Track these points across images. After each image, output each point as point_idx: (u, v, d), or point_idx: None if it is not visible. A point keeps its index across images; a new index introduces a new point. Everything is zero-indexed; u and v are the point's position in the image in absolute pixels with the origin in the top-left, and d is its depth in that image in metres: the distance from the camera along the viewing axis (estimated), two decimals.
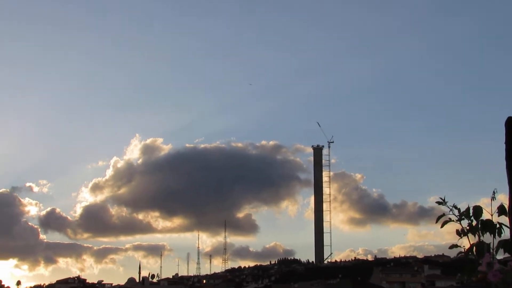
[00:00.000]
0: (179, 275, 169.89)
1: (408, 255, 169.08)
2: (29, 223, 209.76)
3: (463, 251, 3.71)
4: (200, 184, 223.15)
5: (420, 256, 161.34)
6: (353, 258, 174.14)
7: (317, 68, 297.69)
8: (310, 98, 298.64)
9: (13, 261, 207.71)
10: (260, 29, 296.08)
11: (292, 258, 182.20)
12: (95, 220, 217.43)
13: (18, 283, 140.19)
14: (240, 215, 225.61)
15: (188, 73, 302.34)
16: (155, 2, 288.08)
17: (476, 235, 3.70)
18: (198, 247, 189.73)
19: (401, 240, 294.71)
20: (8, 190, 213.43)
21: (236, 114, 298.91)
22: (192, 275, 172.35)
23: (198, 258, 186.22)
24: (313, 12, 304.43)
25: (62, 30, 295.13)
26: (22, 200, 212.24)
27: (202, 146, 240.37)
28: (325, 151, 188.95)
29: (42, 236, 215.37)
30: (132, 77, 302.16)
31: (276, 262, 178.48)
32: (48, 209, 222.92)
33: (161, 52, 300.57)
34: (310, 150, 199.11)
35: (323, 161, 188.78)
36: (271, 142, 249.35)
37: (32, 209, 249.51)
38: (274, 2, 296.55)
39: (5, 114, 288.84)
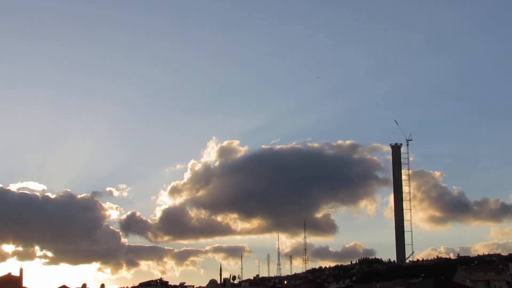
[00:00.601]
0: (260, 276, 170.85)
1: (491, 253, 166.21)
2: (111, 227, 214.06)
3: None
4: (277, 185, 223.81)
5: (504, 253, 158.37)
6: (435, 257, 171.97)
7: (393, 66, 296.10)
8: (386, 97, 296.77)
9: (96, 265, 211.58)
10: (334, 29, 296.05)
11: (373, 257, 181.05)
12: (174, 222, 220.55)
13: (102, 286, 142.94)
14: (319, 215, 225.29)
15: (263, 74, 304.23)
16: (230, 7, 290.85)
17: None
18: (278, 248, 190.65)
19: (484, 238, 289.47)
20: (89, 195, 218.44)
21: (312, 114, 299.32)
22: (273, 276, 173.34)
23: (279, 259, 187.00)
24: (386, 11, 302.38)
25: (138, 37, 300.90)
26: (103, 204, 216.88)
27: (278, 147, 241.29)
28: (403, 149, 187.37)
29: (124, 240, 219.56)
30: (208, 80, 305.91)
31: (357, 262, 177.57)
32: (129, 212, 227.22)
33: (236, 55, 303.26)
34: (387, 149, 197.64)
35: (402, 159, 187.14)
36: (348, 142, 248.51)
37: (113, 213, 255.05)
38: (347, 2, 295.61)
39: (85, 121, 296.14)
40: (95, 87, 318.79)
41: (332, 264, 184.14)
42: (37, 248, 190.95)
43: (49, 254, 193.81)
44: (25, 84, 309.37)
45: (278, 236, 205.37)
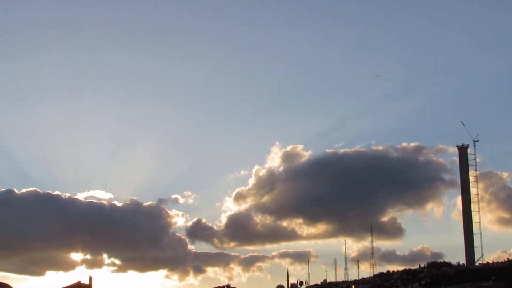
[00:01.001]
0: (327, 281, 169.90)
1: None
2: (177, 234, 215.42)
3: None
4: (342, 189, 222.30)
5: None
6: (505, 259, 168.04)
7: (458, 65, 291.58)
8: (451, 97, 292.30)
9: (163, 272, 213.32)
10: (397, 29, 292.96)
11: (442, 261, 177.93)
12: (240, 228, 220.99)
13: None
14: (385, 219, 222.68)
15: (326, 77, 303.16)
16: (293, 9, 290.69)
17: None
18: (345, 252, 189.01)
19: None
20: (155, 202, 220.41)
21: (376, 117, 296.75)
22: (340, 280, 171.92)
23: (346, 264, 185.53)
24: (450, 9, 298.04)
25: (202, 42, 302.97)
26: (169, 211, 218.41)
27: (342, 151, 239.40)
28: (470, 150, 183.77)
29: (190, 246, 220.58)
30: (270, 85, 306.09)
31: (426, 265, 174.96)
32: (194, 219, 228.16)
33: (298, 58, 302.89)
34: (453, 150, 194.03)
35: (469, 161, 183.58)
36: (412, 144, 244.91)
37: (179, 220, 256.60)
38: (407, 1, 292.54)
39: (149, 128, 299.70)
40: (159, 94, 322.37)
41: (400, 268, 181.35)
42: (105, 256, 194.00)
43: (117, 262, 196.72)
44: (89, 92, 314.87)
45: (345, 240, 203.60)
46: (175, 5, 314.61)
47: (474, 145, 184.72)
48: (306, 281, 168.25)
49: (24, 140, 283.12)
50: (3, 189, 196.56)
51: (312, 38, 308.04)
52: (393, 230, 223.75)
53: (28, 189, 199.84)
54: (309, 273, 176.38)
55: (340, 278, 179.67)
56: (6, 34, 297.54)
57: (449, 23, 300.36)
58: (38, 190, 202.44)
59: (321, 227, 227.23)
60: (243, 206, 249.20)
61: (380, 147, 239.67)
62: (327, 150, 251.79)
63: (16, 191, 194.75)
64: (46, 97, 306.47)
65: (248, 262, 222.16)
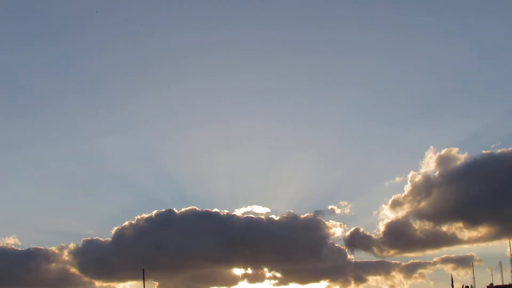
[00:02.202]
0: (494, 284, 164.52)
1: None
2: (336, 245, 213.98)
3: None
4: (501, 190, 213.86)
5: None
6: None
7: None
8: None
9: (324, 283, 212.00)
10: None
11: None
12: (399, 236, 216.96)
13: None
14: None
15: (476, 78, 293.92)
16: (436, 14, 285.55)
17: None
18: (511, 254, 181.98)
19: None
20: (312, 214, 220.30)
21: None
22: (507, 284, 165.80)
23: None
24: None
25: (343, 53, 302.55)
26: (326, 222, 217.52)
27: (499, 151, 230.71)
28: None
29: (350, 256, 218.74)
30: (420, 89, 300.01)
31: None
32: (352, 229, 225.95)
33: (447, 60, 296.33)
34: None
35: None
36: None
37: (337, 231, 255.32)
38: None
39: (300, 141, 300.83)
40: (306, 109, 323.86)
41: None
42: (265, 269, 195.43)
43: (278, 275, 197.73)
44: (241, 113, 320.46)
45: (510, 242, 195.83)
46: (309, 22, 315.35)
47: None
48: (471, 285, 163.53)
49: (181, 160, 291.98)
50: (164, 210, 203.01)
51: (460, 41, 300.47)
52: None
53: (187, 208, 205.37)
54: (474, 278, 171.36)
55: (507, 281, 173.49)
56: (158, 64, 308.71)
57: None
58: (197, 208, 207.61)
59: (483, 230, 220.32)
60: (401, 213, 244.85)
61: None
62: (484, 151, 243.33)
63: (176, 211, 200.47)
64: (199, 119, 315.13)
65: (409, 270, 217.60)
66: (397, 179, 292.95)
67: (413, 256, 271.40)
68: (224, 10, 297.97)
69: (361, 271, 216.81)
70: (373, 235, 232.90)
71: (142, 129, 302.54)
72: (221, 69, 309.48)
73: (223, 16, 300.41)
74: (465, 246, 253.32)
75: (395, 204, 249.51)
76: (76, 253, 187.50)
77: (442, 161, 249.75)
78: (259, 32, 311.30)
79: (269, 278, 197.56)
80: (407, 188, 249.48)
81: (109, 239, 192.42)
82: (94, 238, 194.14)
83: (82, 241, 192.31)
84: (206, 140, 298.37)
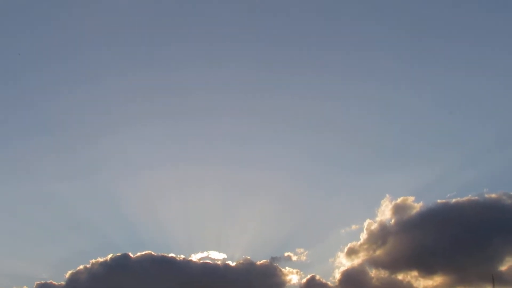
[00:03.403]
0: None
1: None
2: None
3: None
4: (456, 240, 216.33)
5: None
6: None
7: None
8: None
9: None
10: (501, 74, 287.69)
11: None
12: (355, 284, 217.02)
13: None
14: (503, 268, 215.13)
15: (432, 126, 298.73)
16: (388, 62, 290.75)
17: None
18: None
19: None
20: (268, 260, 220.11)
21: (487, 164, 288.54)
22: None
23: None
24: None
25: (293, 98, 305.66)
26: (282, 269, 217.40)
27: (454, 200, 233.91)
28: None
29: None
30: (377, 137, 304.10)
31: None
32: (308, 276, 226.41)
33: (402, 108, 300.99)
34: None
35: None
36: None
37: (293, 278, 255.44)
38: (506, 45, 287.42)
39: (258, 187, 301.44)
40: (264, 154, 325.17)
41: None
42: None
43: None
44: (195, 159, 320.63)
45: None
46: (263, 66, 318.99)
47: None
48: None
49: (138, 204, 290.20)
50: (119, 254, 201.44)
51: (415, 89, 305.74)
52: None
53: (143, 252, 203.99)
54: None
55: None
56: (116, 108, 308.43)
57: None
58: (153, 253, 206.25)
59: (438, 279, 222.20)
60: (356, 261, 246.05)
61: (494, 195, 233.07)
62: (439, 200, 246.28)
63: (132, 255, 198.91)
64: (156, 163, 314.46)
65: None
66: (353, 226, 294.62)
67: None
68: (179, 53, 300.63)
69: None
70: (329, 283, 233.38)
71: (98, 172, 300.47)
72: (178, 113, 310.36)
73: (179, 59, 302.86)
74: None
75: (351, 252, 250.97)
76: None
77: (398, 209, 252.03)
78: (213, 76, 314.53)
79: None
80: (363, 236, 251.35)
81: (63, 283, 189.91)
82: (48, 281, 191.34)
83: (35, 284, 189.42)
84: (163, 184, 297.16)
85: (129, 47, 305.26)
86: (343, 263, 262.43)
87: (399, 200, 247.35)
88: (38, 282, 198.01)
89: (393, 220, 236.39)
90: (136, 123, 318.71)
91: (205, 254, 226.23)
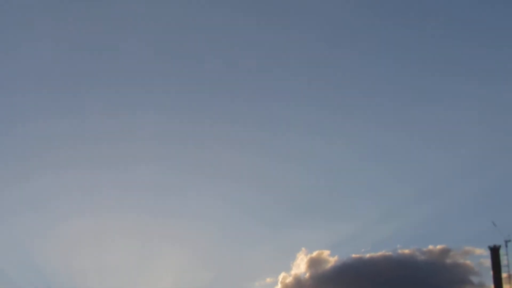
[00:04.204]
0: None
1: None
2: None
3: None
4: None
5: None
6: None
7: (483, 164, 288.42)
8: (477, 197, 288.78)
9: None
10: (417, 130, 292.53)
11: None
12: None
13: None
14: None
15: (349, 182, 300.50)
16: (318, 115, 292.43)
17: None
18: None
19: None
20: None
21: (400, 220, 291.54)
22: None
23: None
24: (472, 105, 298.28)
25: (210, 150, 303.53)
26: None
27: (368, 255, 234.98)
28: (502, 251, 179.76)
29: None
30: (292, 192, 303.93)
31: None
32: None
33: (320, 163, 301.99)
34: (481, 252, 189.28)
35: (501, 262, 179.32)
36: (439, 246, 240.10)
37: None
38: (427, 100, 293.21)
39: (170, 240, 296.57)
40: (180, 205, 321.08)
41: None
42: None
43: None
44: (109, 208, 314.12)
45: None
46: (182, 116, 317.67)
47: (506, 246, 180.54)
48: None
49: (51, 254, 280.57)
50: None
51: (336, 144, 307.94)
52: None
53: None
54: None
55: None
56: (38, 152, 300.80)
57: (472, 119, 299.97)
58: None
59: None
60: None
61: (406, 251, 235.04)
62: (353, 255, 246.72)
63: None
64: (70, 212, 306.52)
65: None
66: (268, 280, 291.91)
67: None
68: (96, 100, 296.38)
69: None
70: None
71: (11, 220, 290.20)
72: (94, 161, 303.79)
73: (95, 106, 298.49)
74: None
75: None
76: None
77: (313, 263, 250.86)
78: (131, 126, 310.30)
79: None
80: None
81: None
82: None
83: None
84: (78, 234, 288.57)
85: (43, 93, 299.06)
86: None
87: (314, 253, 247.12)
88: None
89: (307, 274, 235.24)
90: (51, 171, 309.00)
91: None
